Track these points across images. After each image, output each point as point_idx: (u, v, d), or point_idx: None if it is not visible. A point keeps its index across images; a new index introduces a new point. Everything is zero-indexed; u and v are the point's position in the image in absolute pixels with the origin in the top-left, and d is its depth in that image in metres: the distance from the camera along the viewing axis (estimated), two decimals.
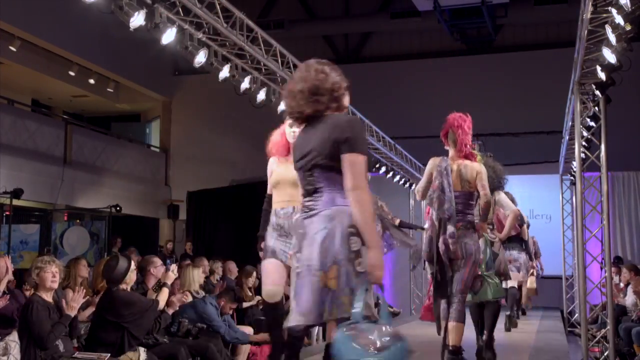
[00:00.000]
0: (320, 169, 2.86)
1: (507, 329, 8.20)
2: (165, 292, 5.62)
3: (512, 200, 6.38)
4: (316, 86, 2.92)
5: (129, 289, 5.39)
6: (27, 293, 5.50)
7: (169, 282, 5.74)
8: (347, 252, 2.77)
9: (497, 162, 6.09)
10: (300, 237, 2.91)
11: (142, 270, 6.27)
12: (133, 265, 5.40)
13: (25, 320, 4.73)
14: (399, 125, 13.90)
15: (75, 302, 4.91)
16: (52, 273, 4.91)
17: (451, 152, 4.87)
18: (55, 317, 4.83)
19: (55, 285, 5.00)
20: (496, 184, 5.81)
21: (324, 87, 2.92)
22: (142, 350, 5.23)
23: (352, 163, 2.78)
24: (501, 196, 5.84)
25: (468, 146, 4.78)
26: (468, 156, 4.79)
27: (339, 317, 2.75)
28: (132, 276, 5.39)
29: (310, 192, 2.91)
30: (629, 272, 8.81)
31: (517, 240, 8.15)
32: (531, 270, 9.72)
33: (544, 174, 13.86)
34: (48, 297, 4.90)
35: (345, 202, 2.81)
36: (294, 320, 2.85)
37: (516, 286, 8.43)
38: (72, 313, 4.91)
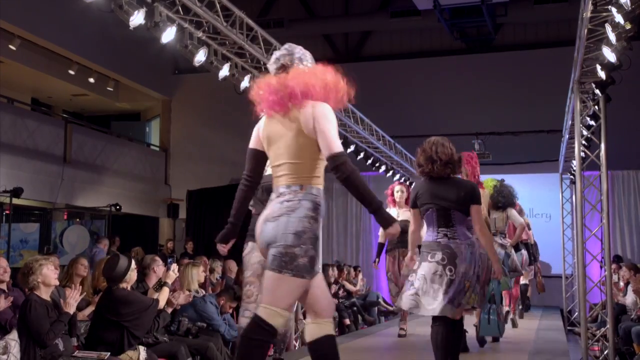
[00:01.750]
0: (457, 212, 4.54)
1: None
2: (165, 291, 5.62)
3: (521, 211, 7.92)
4: (450, 158, 4.58)
5: (129, 288, 5.40)
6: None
7: (170, 282, 5.74)
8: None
9: (509, 185, 7.45)
10: (451, 255, 4.45)
11: (145, 269, 6.27)
12: (133, 264, 5.40)
13: (24, 319, 4.74)
14: (399, 124, 13.89)
15: (73, 299, 4.91)
16: (53, 270, 4.94)
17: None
18: (54, 315, 4.84)
19: (57, 282, 5.03)
20: (510, 202, 7.24)
21: (453, 159, 4.61)
22: (142, 349, 5.23)
23: (478, 212, 4.59)
24: (512, 212, 7.26)
25: (477, 177, 6.11)
26: (479, 185, 6.15)
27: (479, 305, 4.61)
28: (132, 275, 5.39)
29: (447, 224, 4.54)
30: (629, 271, 8.81)
31: (522, 244, 8.96)
32: (532, 272, 10.26)
33: (543, 173, 13.86)
34: (46, 295, 4.90)
35: (470, 234, 4.57)
36: (444, 310, 4.39)
37: (527, 283, 9.96)
38: (70, 311, 4.91)
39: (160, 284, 5.73)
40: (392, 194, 7.73)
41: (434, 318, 4.45)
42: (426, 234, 4.64)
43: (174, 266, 5.90)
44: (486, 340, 6.78)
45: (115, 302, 5.11)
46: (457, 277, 4.39)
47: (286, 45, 3.62)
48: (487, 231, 4.78)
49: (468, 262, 4.43)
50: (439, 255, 4.46)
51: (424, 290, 4.43)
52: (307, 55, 3.58)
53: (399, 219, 6.95)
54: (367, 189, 3.14)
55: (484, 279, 4.53)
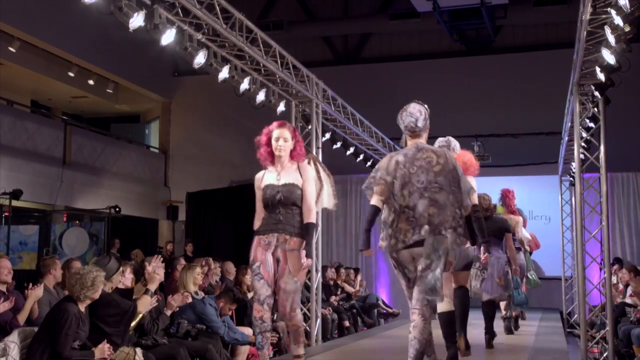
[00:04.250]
0: (493, 237, 6.62)
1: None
2: (146, 298, 5.47)
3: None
4: (488, 207, 6.84)
5: (111, 291, 5.37)
6: (29, 292, 5.46)
7: (152, 288, 5.58)
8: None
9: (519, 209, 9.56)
10: (484, 265, 6.58)
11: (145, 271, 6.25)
12: (121, 269, 5.39)
13: (54, 328, 4.63)
14: (399, 126, 13.87)
15: (105, 352, 4.83)
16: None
17: (503, 210, 8.57)
18: (82, 327, 4.75)
19: None
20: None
21: (490, 207, 6.95)
22: (139, 350, 5.20)
23: (509, 238, 7.18)
24: (523, 231, 9.35)
25: (513, 207, 8.66)
26: (513, 212, 8.61)
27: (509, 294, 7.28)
28: (117, 278, 5.37)
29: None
30: (629, 273, 8.81)
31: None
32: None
33: (543, 175, 13.85)
34: (83, 307, 4.82)
35: (500, 251, 7.04)
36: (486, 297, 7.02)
37: None
38: (99, 356, 4.81)
39: (144, 284, 5.62)
40: None
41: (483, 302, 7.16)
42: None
43: (156, 259, 5.72)
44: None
45: (96, 303, 5.03)
46: (488, 277, 6.93)
47: (446, 138, 5.91)
48: (513, 248, 7.36)
49: (495, 267, 6.96)
50: (477, 264, 6.59)
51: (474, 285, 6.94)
52: (457, 146, 5.93)
53: None
54: (485, 227, 5.27)
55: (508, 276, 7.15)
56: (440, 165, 4.40)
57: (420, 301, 4.34)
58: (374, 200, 4.35)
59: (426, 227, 4.24)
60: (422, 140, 4.74)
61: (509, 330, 8.09)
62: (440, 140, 5.81)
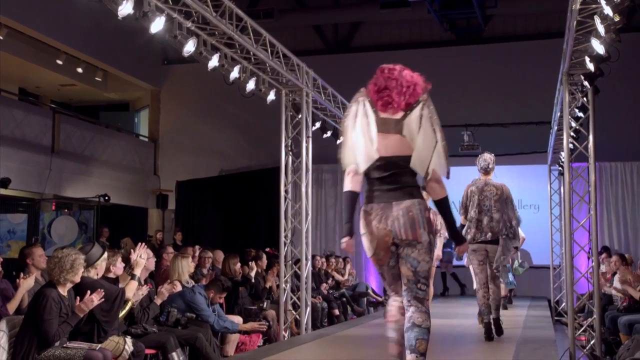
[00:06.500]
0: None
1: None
2: (133, 284, 5.44)
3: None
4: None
5: (97, 277, 5.35)
6: (21, 281, 5.41)
7: (138, 273, 5.56)
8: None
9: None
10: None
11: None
12: (105, 255, 5.35)
13: (35, 314, 4.63)
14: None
15: (86, 305, 4.81)
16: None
17: None
18: (66, 310, 4.73)
19: None
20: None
21: None
22: (128, 339, 5.20)
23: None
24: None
25: None
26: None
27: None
28: (102, 264, 5.34)
29: None
30: (616, 262, 8.88)
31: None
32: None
33: (532, 165, 13.92)
34: (65, 291, 4.81)
35: None
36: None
37: None
38: (82, 314, 4.82)
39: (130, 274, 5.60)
40: None
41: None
42: None
43: (140, 246, 5.68)
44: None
45: (83, 291, 4.97)
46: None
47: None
48: None
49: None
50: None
51: None
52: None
53: None
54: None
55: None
56: (498, 196, 6.75)
57: (494, 277, 6.76)
58: (461, 219, 6.85)
59: (489, 233, 6.71)
60: (490, 177, 6.93)
61: (504, 307, 9.58)
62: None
